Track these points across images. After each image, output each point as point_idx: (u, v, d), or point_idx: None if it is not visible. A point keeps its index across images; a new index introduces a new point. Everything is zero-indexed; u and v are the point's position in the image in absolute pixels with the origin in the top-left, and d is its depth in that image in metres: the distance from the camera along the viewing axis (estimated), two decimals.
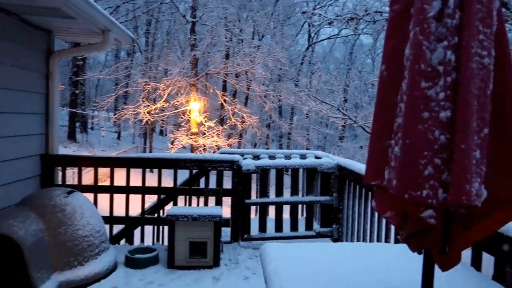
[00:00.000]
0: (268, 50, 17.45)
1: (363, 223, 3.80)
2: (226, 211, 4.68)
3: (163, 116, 18.67)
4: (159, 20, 23.72)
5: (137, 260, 3.85)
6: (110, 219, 4.46)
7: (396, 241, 3.07)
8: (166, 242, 4.73)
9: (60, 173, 4.68)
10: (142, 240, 4.63)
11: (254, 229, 4.64)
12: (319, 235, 4.60)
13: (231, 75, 19.55)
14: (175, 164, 4.52)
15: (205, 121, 17.42)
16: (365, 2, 13.82)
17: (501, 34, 1.28)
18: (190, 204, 4.75)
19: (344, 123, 15.23)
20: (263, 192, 4.61)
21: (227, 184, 4.65)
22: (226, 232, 4.62)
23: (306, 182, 4.73)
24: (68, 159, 4.52)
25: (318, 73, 16.60)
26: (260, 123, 20.92)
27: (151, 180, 4.75)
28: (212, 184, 4.68)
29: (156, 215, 4.69)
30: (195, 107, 17.14)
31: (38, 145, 4.30)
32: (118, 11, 20.28)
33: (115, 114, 20.72)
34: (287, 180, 4.82)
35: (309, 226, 4.70)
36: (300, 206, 5.00)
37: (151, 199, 4.83)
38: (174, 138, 18.62)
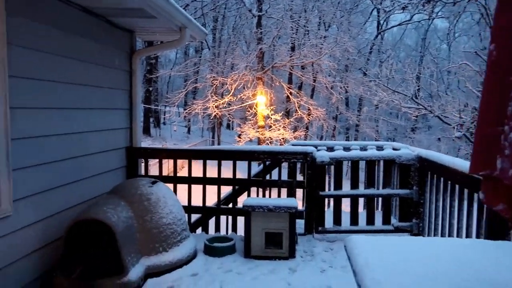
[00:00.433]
0: (335, 40, 17.03)
1: (449, 218, 3.55)
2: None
3: (231, 110, 19.12)
4: (226, 16, 24.22)
5: (216, 249, 3.98)
6: (189, 209, 4.66)
7: (489, 237, 2.84)
8: (239, 232, 4.86)
9: (142, 165, 4.99)
10: (217, 229, 4.79)
11: (327, 222, 4.57)
12: (397, 230, 4.41)
13: (297, 67, 19.40)
14: (249, 156, 4.59)
15: (272, 114, 17.53)
16: None
17: None
18: (264, 196, 4.80)
19: (418, 113, 14.37)
20: (338, 184, 4.51)
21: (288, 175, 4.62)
22: (299, 224, 4.60)
23: (383, 175, 4.54)
24: (150, 151, 4.79)
25: (389, 61, 15.76)
26: (326, 115, 20.56)
27: (214, 172, 4.87)
28: (280, 176, 4.70)
29: (231, 205, 4.81)
30: (261, 100, 17.30)
31: (123, 138, 4.61)
32: (187, 9, 21.05)
33: (184, 109, 21.63)
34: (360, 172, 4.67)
35: (386, 220, 4.52)
36: (375, 199, 4.81)
37: (214, 191, 4.89)
38: (241, 132, 19.01)
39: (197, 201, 4.77)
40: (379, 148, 4.68)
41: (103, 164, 4.15)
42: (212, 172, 4.79)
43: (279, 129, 17.82)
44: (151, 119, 30.28)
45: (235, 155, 4.63)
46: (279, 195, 4.73)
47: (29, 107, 3.00)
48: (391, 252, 1.96)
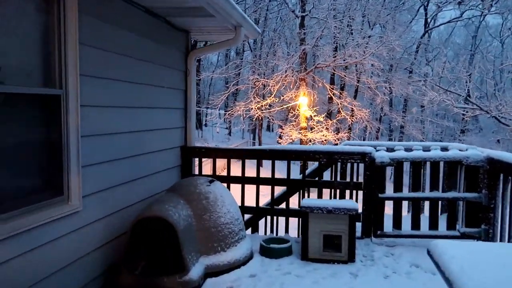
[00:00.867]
0: (381, 39, 16.53)
1: None
2: None
3: (272, 111, 19.05)
4: (267, 18, 24.22)
5: (273, 250, 3.90)
6: (242, 209, 4.61)
7: None
8: (291, 233, 4.76)
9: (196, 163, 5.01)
10: (271, 230, 4.71)
11: (386, 226, 4.37)
12: (463, 236, 4.13)
13: (340, 67, 19.03)
14: (305, 156, 4.49)
15: (314, 116, 17.28)
16: None
17: None
18: (318, 196, 4.67)
19: (472, 114, 13.59)
20: (398, 186, 4.31)
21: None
22: (356, 227, 4.43)
23: (447, 177, 4.28)
24: (204, 150, 4.80)
25: (442, 59, 14.99)
26: (370, 116, 19.99)
27: (252, 172, 4.81)
28: (336, 177, 4.56)
29: (284, 206, 4.73)
30: (304, 101, 17.10)
31: (179, 137, 4.66)
32: None
33: (226, 111, 21.83)
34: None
35: (450, 225, 4.25)
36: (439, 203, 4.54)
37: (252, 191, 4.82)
38: (282, 133, 18.87)
39: (239, 202, 4.72)
40: (444, 149, 4.42)
41: (161, 162, 4.19)
42: (250, 173, 4.72)
43: (321, 131, 17.54)
44: None
45: (290, 155, 4.54)
46: (334, 197, 4.58)
47: (98, 105, 3.07)
48: (484, 258, 1.81)
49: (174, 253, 3.20)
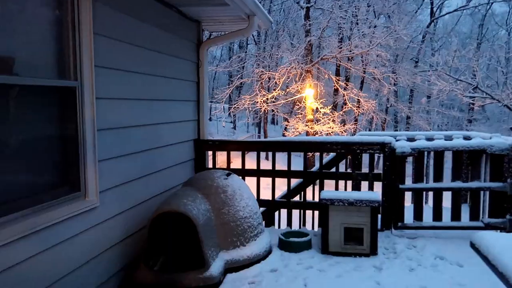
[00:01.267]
0: (387, 29, 16.29)
1: None
2: None
3: (279, 104, 18.89)
4: (271, 10, 23.98)
5: (292, 244, 3.81)
6: (258, 202, 4.51)
7: None
8: (307, 226, 4.67)
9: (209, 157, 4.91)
10: (289, 223, 4.61)
11: (407, 217, 4.27)
12: (488, 227, 4.02)
13: (345, 58, 18.80)
14: (321, 147, 4.38)
15: (321, 108, 17.12)
16: None
17: None
18: (337, 188, 4.57)
19: (482, 103, 13.38)
20: (419, 177, 4.19)
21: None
22: None
23: (471, 166, 4.16)
24: (218, 143, 4.70)
25: (452, 47, 14.68)
26: (377, 107, 19.79)
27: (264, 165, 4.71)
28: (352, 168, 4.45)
29: (298, 198, 4.63)
30: (310, 93, 16.93)
31: (192, 130, 4.55)
32: None
33: (230, 105, 21.68)
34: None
35: (474, 216, 4.14)
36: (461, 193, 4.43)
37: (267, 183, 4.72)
38: (288, 125, 18.72)
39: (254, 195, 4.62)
40: (466, 138, 4.29)
41: (175, 156, 4.10)
42: (263, 165, 4.63)
43: (328, 123, 17.38)
44: None
45: (306, 147, 4.44)
46: (353, 188, 4.47)
47: (113, 97, 2.97)
48: None
49: (194, 248, 3.11)
